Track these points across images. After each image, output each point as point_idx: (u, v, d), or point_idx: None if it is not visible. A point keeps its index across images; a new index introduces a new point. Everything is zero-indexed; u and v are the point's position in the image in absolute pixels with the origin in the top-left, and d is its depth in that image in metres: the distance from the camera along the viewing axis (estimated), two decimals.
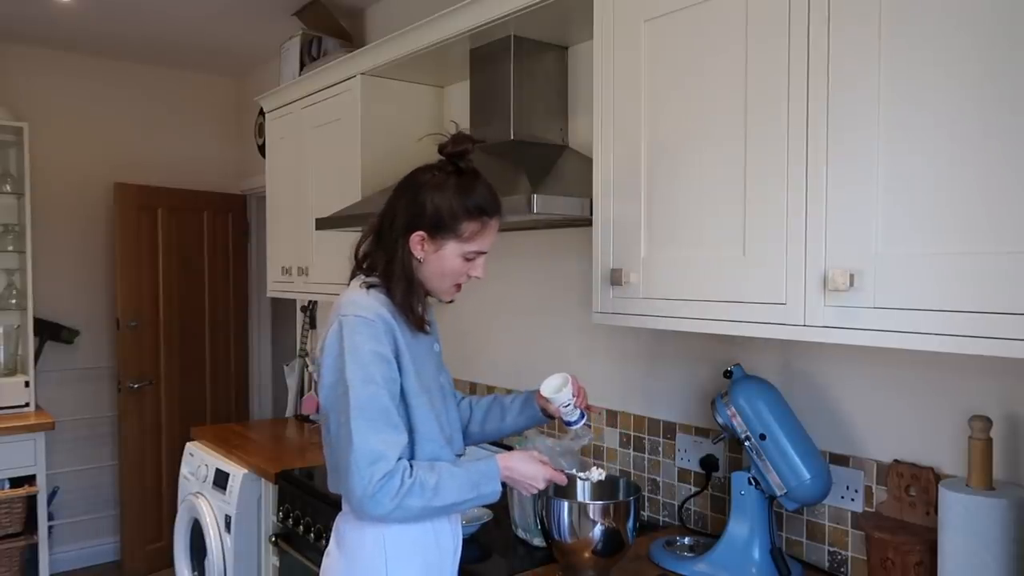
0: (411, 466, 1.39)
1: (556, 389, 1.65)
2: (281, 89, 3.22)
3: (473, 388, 2.75)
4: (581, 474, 1.68)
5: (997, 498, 1.29)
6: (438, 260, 1.48)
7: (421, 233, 1.46)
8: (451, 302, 1.60)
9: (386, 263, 1.49)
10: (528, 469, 1.50)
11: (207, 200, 4.50)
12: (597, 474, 1.66)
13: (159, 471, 4.24)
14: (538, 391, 1.69)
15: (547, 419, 1.72)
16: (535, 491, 1.52)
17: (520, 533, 1.94)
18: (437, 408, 1.52)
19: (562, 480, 1.54)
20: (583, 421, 1.69)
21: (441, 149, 1.49)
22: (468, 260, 1.50)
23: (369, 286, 1.49)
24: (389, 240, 1.49)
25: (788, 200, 1.37)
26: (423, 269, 1.49)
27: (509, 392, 2.56)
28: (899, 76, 1.22)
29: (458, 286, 1.54)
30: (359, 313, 1.42)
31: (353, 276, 1.56)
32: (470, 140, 1.48)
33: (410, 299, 1.48)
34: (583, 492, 1.80)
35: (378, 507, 1.35)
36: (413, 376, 1.47)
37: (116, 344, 4.20)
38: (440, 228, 1.45)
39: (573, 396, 1.65)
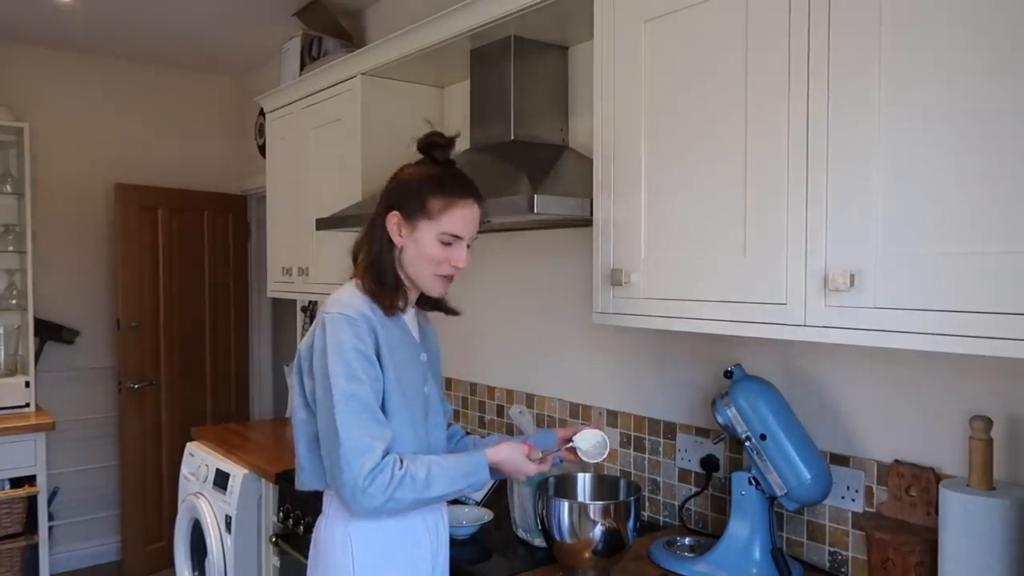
0: (401, 459, 1.41)
1: (596, 448, 1.59)
2: (281, 89, 3.22)
3: (473, 388, 2.75)
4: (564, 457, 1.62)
5: (998, 498, 1.29)
6: (415, 244, 1.51)
7: (396, 213, 1.51)
8: (442, 300, 1.62)
9: (368, 253, 1.54)
10: (515, 463, 1.51)
11: (207, 200, 4.49)
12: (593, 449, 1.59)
13: (159, 471, 4.24)
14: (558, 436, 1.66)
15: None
16: (524, 477, 1.56)
17: (520, 533, 1.94)
18: (415, 416, 1.52)
19: (545, 468, 1.55)
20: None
21: (418, 147, 1.57)
22: (445, 244, 1.50)
23: (359, 282, 1.53)
24: (374, 232, 1.54)
25: (789, 200, 1.37)
26: (404, 256, 1.53)
27: (511, 394, 2.58)
28: (899, 75, 1.22)
29: (446, 278, 1.55)
30: (342, 311, 1.45)
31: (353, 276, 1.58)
32: (441, 136, 1.56)
33: (390, 279, 1.51)
34: (583, 492, 1.81)
35: (371, 500, 1.37)
36: (392, 378, 1.48)
37: (116, 344, 4.20)
38: (412, 209, 1.50)
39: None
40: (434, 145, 1.55)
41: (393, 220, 1.51)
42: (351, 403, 1.39)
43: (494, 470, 1.51)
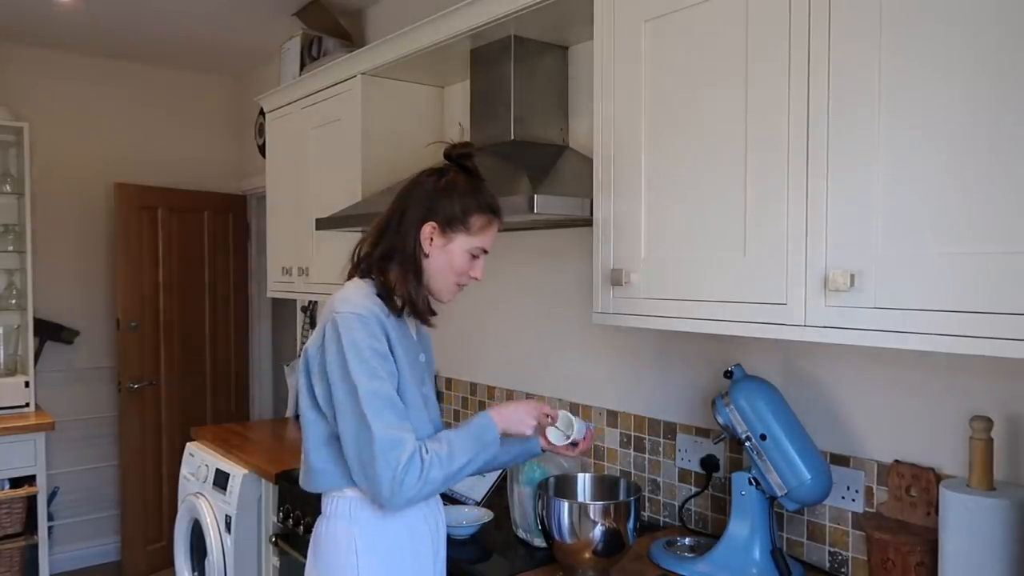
0: (423, 444, 1.42)
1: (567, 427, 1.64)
2: (281, 89, 3.22)
3: (473, 388, 2.75)
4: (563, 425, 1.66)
5: (998, 499, 1.29)
6: (446, 255, 1.52)
7: (433, 224, 1.51)
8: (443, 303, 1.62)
9: (385, 257, 1.52)
10: (518, 410, 1.56)
11: (207, 200, 4.49)
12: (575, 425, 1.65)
13: (159, 471, 4.24)
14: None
15: (541, 450, 1.72)
16: (531, 430, 1.58)
17: (520, 533, 1.93)
18: (419, 415, 1.53)
19: (553, 413, 1.61)
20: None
21: (448, 154, 1.57)
22: (473, 258, 1.55)
23: (364, 282, 1.52)
24: (395, 237, 1.52)
25: (789, 200, 1.37)
26: (429, 265, 1.53)
27: (511, 394, 2.58)
28: (899, 76, 1.22)
29: (458, 287, 1.57)
30: (354, 310, 1.44)
31: (349, 278, 1.58)
32: (472, 145, 1.57)
33: (414, 287, 1.51)
34: (583, 492, 1.81)
35: (408, 490, 1.37)
36: (407, 375, 1.49)
37: (116, 344, 4.20)
38: (452, 222, 1.51)
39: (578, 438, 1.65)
40: (467, 156, 1.56)
41: (427, 230, 1.51)
42: (375, 400, 1.39)
43: (501, 433, 1.53)
